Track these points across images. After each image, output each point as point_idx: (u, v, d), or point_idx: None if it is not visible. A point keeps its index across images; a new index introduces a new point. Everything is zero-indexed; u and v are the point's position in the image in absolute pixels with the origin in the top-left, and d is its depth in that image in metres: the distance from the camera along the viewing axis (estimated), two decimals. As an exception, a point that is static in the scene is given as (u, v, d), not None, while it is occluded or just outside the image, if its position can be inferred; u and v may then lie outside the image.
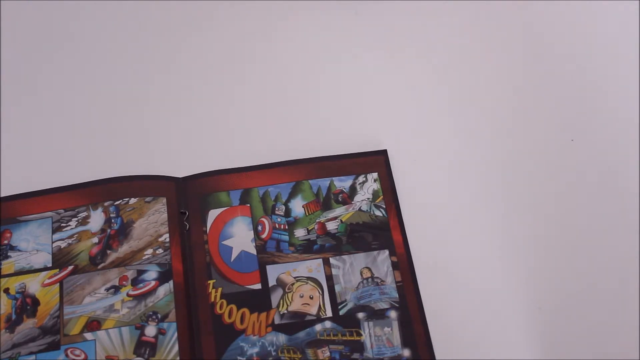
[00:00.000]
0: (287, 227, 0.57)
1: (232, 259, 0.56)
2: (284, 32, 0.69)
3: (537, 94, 0.66)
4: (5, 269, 0.56)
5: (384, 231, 0.57)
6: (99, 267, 0.56)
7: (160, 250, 0.56)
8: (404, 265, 0.56)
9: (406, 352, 0.51)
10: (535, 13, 0.70)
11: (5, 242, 0.57)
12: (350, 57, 0.68)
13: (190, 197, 0.58)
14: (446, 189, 0.60)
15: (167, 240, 0.57)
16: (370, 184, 0.58)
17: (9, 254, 0.56)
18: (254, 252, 0.56)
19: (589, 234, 0.58)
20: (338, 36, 0.69)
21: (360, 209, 0.58)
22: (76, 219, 0.58)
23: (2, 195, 0.59)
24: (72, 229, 0.57)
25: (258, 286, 0.55)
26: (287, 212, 0.58)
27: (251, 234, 0.57)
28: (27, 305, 0.54)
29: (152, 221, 0.57)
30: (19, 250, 0.56)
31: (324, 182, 0.59)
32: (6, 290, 0.55)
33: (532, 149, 0.63)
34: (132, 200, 0.58)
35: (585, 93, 0.66)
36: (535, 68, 0.67)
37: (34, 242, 0.57)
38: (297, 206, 0.58)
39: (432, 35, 0.69)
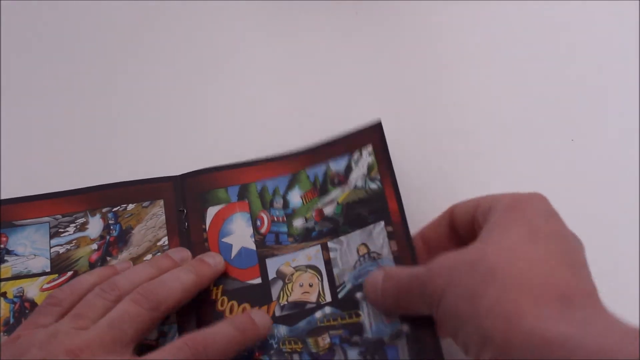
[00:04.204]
0: (285, 219, 0.57)
1: (232, 256, 0.55)
2: (282, 30, 0.70)
3: (537, 93, 0.66)
4: (1, 273, 0.55)
5: (379, 202, 0.54)
6: (99, 273, 0.55)
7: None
8: (400, 234, 0.52)
9: (405, 327, 0.49)
10: (535, 13, 0.71)
11: (1, 246, 0.56)
12: (349, 56, 0.69)
13: (188, 196, 0.58)
14: (447, 184, 0.60)
15: (166, 243, 0.56)
16: (365, 159, 0.57)
17: (5, 258, 0.56)
18: (253, 247, 0.56)
19: (589, 234, 0.57)
20: (337, 35, 0.70)
21: (355, 187, 0.56)
22: (74, 224, 0.57)
23: (-2, 200, 0.59)
24: (70, 234, 0.57)
25: (258, 280, 0.54)
26: (286, 205, 0.57)
27: (250, 229, 0.56)
28: (25, 309, 0.54)
29: (150, 226, 0.57)
30: (16, 255, 0.56)
31: (321, 169, 0.58)
32: (3, 294, 0.54)
33: (531, 148, 0.63)
34: (130, 206, 0.58)
35: (585, 93, 0.65)
36: (535, 67, 0.67)
37: (31, 247, 0.56)
38: (295, 197, 0.58)
39: (432, 34, 0.70)
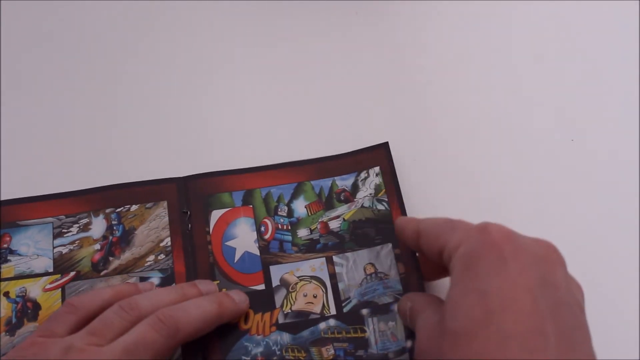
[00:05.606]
0: (289, 228, 0.57)
1: (236, 260, 0.56)
2: (286, 34, 0.70)
3: (537, 93, 0.66)
4: (4, 273, 0.55)
5: (386, 224, 0.56)
6: (102, 273, 0.55)
7: (162, 256, 0.56)
8: (407, 257, 0.54)
9: (409, 343, 0.50)
10: (536, 13, 0.71)
11: (5, 245, 0.56)
12: (350, 57, 0.68)
13: (192, 198, 0.58)
14: (449, 184, 0.61)
15: (169, 244, 0.56)
16: (372, 179, 0.58)
17: (8, 257, 0.56)
18: (257, 252, 0.56)
19: (589, 234, 0.58)
20: (337, 37, 0.70)
21: (362, 206, 0.57)
22: (77, 225, 0.57)
23: (1, 199, 0.58)
24: (73, 235, 0.57)
25: (262, 287, 0.54)
26: (290, 213, 0.58)
27: (254, 234, 0.57)
28: (27, 309, 0.54)
29: (153, 227, 0.57)
30: (19, 255, 0.56)
31: (326, 183, 0.59)
32: (6, 294, 0.54)
33: (531, 148, 0.63)
34: (134, 207, 0.58)
35: (585, 93, 0.66)
36: (535, 67, 0.67)
37: (34, 247, 0.56)
38: (300, 207, 0.58)
39: (430, 34, 0.70)
